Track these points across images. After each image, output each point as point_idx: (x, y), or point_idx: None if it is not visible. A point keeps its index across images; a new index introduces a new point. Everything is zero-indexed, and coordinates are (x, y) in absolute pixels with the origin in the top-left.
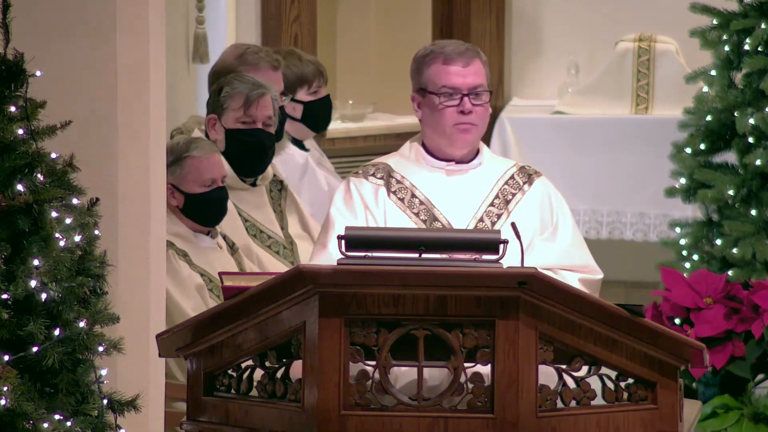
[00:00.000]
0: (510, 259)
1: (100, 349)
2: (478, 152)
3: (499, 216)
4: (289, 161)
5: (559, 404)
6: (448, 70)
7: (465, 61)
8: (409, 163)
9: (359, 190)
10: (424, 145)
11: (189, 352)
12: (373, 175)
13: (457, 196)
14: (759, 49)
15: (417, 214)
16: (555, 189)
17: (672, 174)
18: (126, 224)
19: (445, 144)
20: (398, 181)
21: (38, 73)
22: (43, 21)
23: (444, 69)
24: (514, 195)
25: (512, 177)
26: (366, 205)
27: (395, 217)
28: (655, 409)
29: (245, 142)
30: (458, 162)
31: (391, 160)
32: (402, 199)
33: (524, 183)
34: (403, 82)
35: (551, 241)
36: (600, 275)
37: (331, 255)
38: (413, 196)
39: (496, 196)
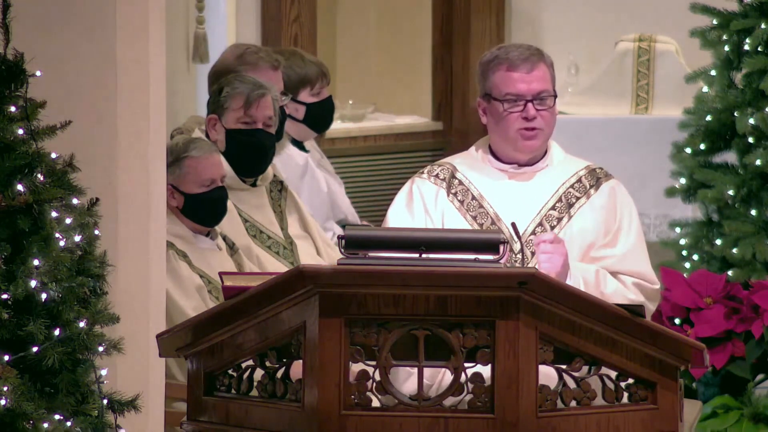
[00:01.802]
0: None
1: (100, 349)
2: (546, 153)
3: (559, 220)
4: (289, 163)
5: (559, 404)
6: (512, 77)
7: (529, 66)
8: (474, 163)
9: (421, 191)
10: (490, 148)
11: (189, 352)
12: (437, 175)
13: (518, 200)
14: (759, 49)
15: (474, 218)
16: (625, 193)
17: (672, 174)
18: (126, 224)
19: (511, 150)
20: (460, 183)
21: (38, 73)
22: (43, 21)
23: (508, 75)
24: (578, 199)
25: (579, 180)
26: (426, 208)
27: (452, 219)
28: (655, 409)
29: (246, 142)
30: (524, 164)
31: (457, 160)
32: (462, 201)
33: (591, 187)
34: (403, 82)
35: (611, 246)
36: (656, 285)
37: None
38: (473, 198)
39: (559, 200)
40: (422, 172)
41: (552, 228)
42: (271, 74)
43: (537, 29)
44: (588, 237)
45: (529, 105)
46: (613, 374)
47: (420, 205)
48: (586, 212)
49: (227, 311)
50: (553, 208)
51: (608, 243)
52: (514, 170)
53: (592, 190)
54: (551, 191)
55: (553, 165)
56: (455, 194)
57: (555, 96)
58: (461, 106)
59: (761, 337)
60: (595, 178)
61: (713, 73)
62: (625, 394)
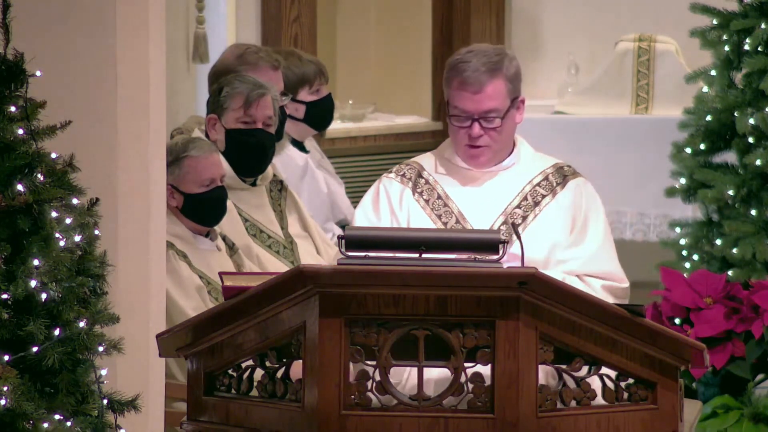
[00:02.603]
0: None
1: (100, 349)
2: (513, 151)
3: (524, 218)
4: (289, 163)
5: (559, 404)
6: (461, 95)
7: (478, 86)
8: (441, 162)
9: (388, 190)
10: None
11: (189, 352)
12: (403, 175)
13: (483, 198)
14: (759, 49)
15: (439, 216)
16: (592, 192)
17: (672, 174)
18: (126, 224)
19: (461, 159)
20: (426, 182)
21: (38, 73)
22: (43, 21)
23: (458, 93)
24: (544, 197)
25: (546, 178)
26: (392, 208)
27: (418, 219)
28: (655, 409)
29: (245, 142)
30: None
31: (425, 159)
32: (427, 201)
33: (557, 184)
34: (403, 82)
35: (577, 245)
36: (625, 284)
37: None
38: (438, 197)
39: (524, 198)
40: (390, 172)
41: (516, 227)
42: (271, 74)
43: (537, 29)
44: (554, 235)
45: (475, 124)
46: (613, 374)
47: (386, 205)
48: (552, 210)
49: (227, 311)
50: (518, 206)
51: (574, 242)
52: (479, 169)
53: (558, 188)
54: (516, 189)
55: (520, 163)
56: (420, 193)
57: (508, 110)
58: None
59: (761, 337)
60: (562, 175)
61: (713, 73)
62: (625, 394)
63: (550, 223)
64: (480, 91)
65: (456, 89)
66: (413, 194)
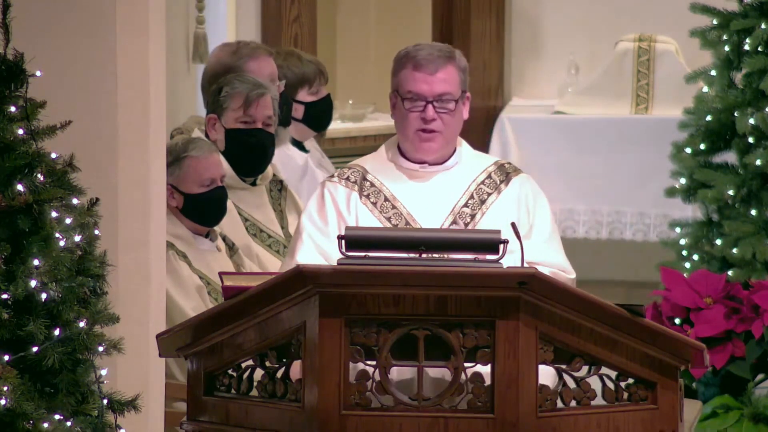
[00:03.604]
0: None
1: (100, 349)
2: (455, 151)
3: (472, 216)
4: (289, 163)
5: (559, 404)
6: (415, 76)
7: (434, 68)
8: (384, 164)
9: (333, 195)
10: (399, 148)
11: (189, 352)
12: (347, 178)
13: (429, 198)
14: (759, 49)
15: (389, 219)
16: (536, 187)
17: (672, 174)
18: (126, 224)
19: (411, 149)
20: (372, 184)
21: (38, 73)
22: (43, 21)
23: (412, 75)
24: (489, 194)
25: (489, 176)
26: (339, 211)
27: (367, 222)
28: (655, 409)
29: (245, 141)
30: (433, 163)
31: (368, 162)
32: (375, 203)
33: (501, 182)
34: None
35: (526, 239)
36: (572, 275)
37: (298, 263)
38: (386, 199)
39: (471, 197)
40: (332, 176)
41: (466, 225)
42: (270, 61)
43: (537, 29)
44: (502, 231)
45: (429, 106)
46: (613, 374)
47: (332, 209)
48: (499, 207)
49: (227, 311)
50: (465, 205)
51: (524, 237)
52: (423, 169)
53: (502, 185)
54: (462, 188)
55: (462, 162)
56: (367, 196)
57: (458, 99)
58: None
59: (761, 337)
60: (505, 173)
61: (713, 73)
62: (625, 394)
63: (498, 220)
64: (436, 72)
65: (410, 72)
66: (360, 197)
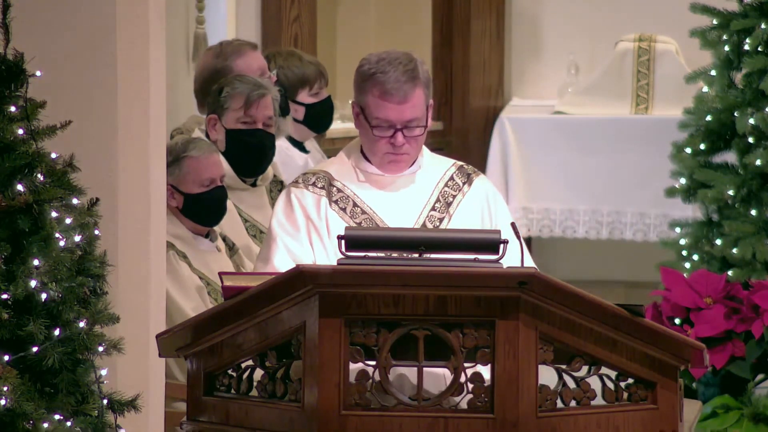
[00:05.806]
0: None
1: (100, 349)
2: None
3: (441, 219)
4: (290, 164)
5: (559, 404)
6: (384, 105)
7: (402, 96)
8: (348, 170)
9: (301, 201)
10: (363, 153)
11: (189, 352)
12: (314, 184)
13: (397, 203)
14: (759, 49)
15: (359, 224)
16: (494, 188)
17: (672, 174)
18: (126, 224)
19: (378, 164)
20: (339, 190)
21: (38, 73)
22: (43, 21)
23: (380, 103)
24: (454, 197)
25: (452, 178)
26: (308, 216)
27: (338, 228)
28: (655, 409)
29: (246, 142)
30: None
31: (331, 168)
32: (344, 209)
33: (464, 183)
34: None
35: None
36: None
37: (275, 269)
38: (355, 205)
39: (437, 200)
40: (297, 182)
41: (436, 228)
42: (256, 55)
43: (537, 29)
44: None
45: (398, 133)
46: (613, 374)
47: (302, 215)
48: (465, 208)
49: (227, 311)
50: (433, 208)
51: None
52: (389, 175)
53: (465, 187)
54: (428, 192)
55: (424, 166)
56: (336, 202)
57: (425, 125)
58: (461, 106)
59: (761, 337)
60: (466, 174)
61: (713, 73)
62: (625, 394)
63: (466, 221)
64: (404, 102)
65: (378, 99)
66: (330, 204)
